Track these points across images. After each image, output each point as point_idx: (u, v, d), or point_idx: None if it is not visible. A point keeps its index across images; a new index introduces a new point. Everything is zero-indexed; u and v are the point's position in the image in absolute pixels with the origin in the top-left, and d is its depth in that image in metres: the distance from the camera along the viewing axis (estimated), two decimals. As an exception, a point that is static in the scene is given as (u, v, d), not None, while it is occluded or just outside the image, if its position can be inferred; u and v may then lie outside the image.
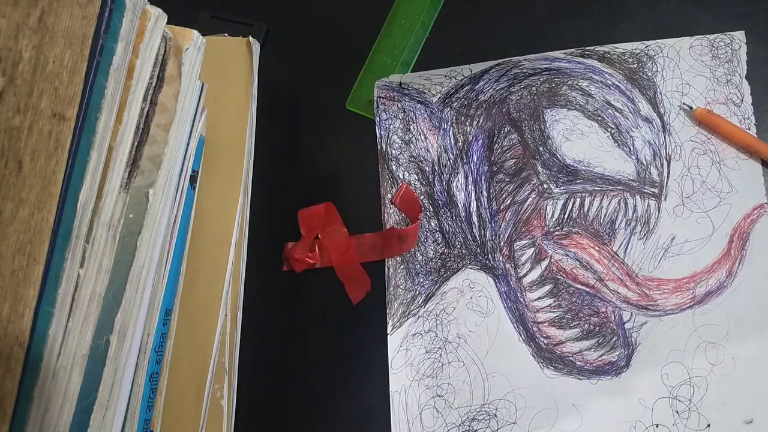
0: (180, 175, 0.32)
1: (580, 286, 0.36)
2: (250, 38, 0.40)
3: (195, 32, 0.31)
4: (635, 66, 0.39)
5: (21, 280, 0.22)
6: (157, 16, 0.28)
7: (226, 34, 0.41)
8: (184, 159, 0.33)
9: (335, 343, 0.38)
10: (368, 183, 0.40)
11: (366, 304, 0.38)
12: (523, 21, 0.41)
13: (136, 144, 0.28)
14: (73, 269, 0.24)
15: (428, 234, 0.38)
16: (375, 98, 0.40)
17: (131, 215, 0.28)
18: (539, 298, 0.36)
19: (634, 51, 0.39)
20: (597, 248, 0.36)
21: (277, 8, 0.44)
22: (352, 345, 0.37)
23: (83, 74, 0.24)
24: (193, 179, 0.35)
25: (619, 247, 0.36)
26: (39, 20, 0.23)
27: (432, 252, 0.38)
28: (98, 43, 0.24)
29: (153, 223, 0.29)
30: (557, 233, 0.37)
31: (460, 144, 0.39)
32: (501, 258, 0.37)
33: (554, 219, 0.37)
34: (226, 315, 0.36)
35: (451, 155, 0.39)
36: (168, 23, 0.30)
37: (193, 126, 0.33)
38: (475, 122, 0.39)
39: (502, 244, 0.37)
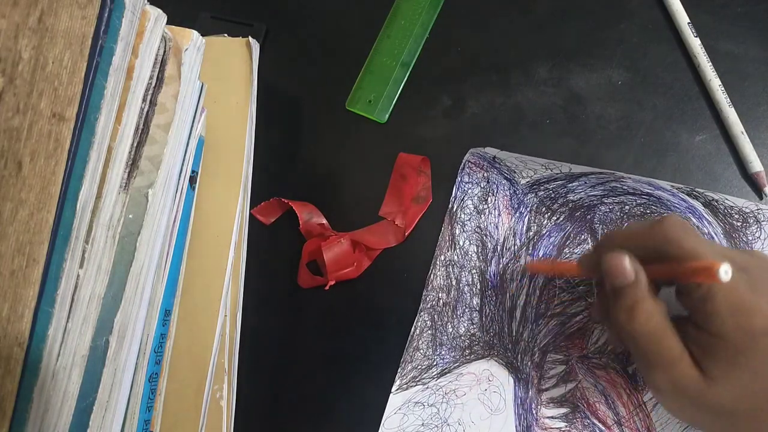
0: (179, 175, 0.32)
1: (596, 422, 0.34)
2: (250, 38, 0.40)
3: (195, 32, 0.31)
4: (739, 224, 0.35)
5: (20, 281, 0.22)
6: (157, 16, 0.28)
7: (225, 35, 0.41)
8: (184, 159, 0.33)
9: (335, 343, 0.38)
10: (368, 183, 0.40)
11: (369, 305, 0.38)
12: (523, 21, 0.41)
13: (135, 144, 0.28)
14: (73, 269, 0.24)
15: (466, 310, 0.36)
16: (464, 161, 0.38)
17: (131, 215, 0.28)
18: (552, 417, 0.34)
19: (743, 209, 0.35)
20: (628, 392, 0.34)
21: (277, 8, 0.44)
22: (353, 346, 0.37)
23: (83, 74, 0.24)
24: (192, 179, 0.35)
25: (650, 399, 0.34)
26: (39, 20, 0.23)
27: (463, 329, 0.36)
28: (98, 43, 0.25)
29: (152, 224, 0.29)
30: (594, 361, 0.35)
31: (531, 233, 0.37)
32: (530, 363, 0.35)
33: (597, 345, 0.35)
34: (225, 315, 0.36)
35: (518, 241, 0.37)
36: (168, 23, 0.30)
37: (192, 126, 0.33)
38: (554, 218, 0.37)
39: (535, 349, 0.35)
